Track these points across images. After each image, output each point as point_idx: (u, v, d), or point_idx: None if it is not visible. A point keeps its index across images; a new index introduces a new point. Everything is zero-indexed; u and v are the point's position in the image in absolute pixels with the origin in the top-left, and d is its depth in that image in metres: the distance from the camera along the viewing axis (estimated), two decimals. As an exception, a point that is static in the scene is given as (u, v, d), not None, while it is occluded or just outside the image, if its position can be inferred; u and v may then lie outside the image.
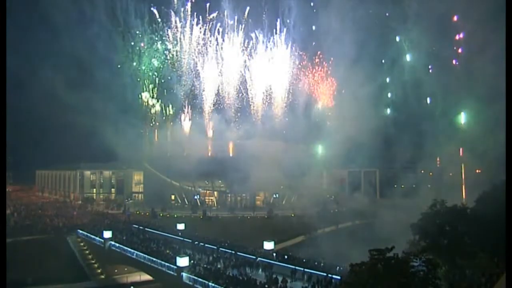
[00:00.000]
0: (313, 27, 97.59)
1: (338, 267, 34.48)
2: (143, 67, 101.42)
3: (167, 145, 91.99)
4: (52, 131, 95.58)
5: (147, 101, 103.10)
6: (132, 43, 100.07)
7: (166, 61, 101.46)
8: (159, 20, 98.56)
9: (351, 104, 78.22)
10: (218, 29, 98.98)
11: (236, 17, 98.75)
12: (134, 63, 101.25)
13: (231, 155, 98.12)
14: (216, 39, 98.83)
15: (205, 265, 40.14)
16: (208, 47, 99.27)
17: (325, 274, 33.95)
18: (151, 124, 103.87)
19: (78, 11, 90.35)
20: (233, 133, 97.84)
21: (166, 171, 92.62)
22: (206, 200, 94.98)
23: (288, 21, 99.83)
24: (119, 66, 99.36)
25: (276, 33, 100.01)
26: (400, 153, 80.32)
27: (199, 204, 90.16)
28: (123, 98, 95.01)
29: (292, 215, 73.88)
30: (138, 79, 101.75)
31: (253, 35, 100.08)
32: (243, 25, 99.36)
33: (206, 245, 48.33)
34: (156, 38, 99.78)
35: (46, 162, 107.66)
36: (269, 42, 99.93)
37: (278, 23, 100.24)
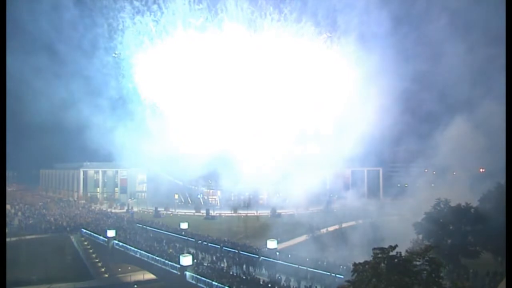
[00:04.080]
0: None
1: (341, 266, 34.47)
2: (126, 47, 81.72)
3: (168, 142, 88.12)
4: (53, 130, 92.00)
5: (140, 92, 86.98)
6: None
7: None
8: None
9: (374, 98, 69.94)
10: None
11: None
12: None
13: (234, 153, 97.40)
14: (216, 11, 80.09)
15: (208, 264, 40.31)
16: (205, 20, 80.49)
17: (328, 273, 34.00)
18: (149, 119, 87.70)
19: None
20: (236, 130, 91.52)
21: (169, 170, 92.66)
22: (209, 199, 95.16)
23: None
24: (114, 54, 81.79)
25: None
26: (404, 151, 79.86)
27: (202, 203, 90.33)
28: (115, 89, 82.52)
29: (295, 214, 73.77)
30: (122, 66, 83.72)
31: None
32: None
33: (209, 244, 48.42)
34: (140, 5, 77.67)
35: (50, 161, 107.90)
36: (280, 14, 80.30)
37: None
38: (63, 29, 73.50)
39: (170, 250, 46.09)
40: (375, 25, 70.66)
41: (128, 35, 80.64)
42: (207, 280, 34.83)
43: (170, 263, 40.14)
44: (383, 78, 69.19)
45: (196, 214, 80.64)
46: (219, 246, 46.88)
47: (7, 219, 57.88)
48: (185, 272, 37.12)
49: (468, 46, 61.53)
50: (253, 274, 36.99)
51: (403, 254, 19.38)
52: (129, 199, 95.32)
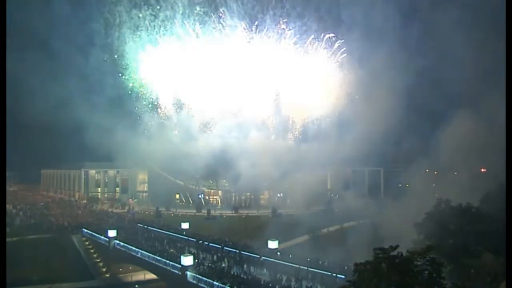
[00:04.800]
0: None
1: (342, 266, 34.42)
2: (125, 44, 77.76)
3: (169, 142, 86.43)
4: (54, 129, 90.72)
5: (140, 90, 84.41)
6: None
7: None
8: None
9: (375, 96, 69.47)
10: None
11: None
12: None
13: (235, 153, 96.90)
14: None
15: (209, 264, 40.31)
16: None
17: (329, 273, 33.96)
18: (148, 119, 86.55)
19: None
20: (237, 130, 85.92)
21: (171, 170, 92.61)
22: (211, 199, 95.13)
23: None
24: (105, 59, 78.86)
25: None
26: (405, 151, 79.43)
27: (203, 203, 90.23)
28: (115, 88, 79.80)
29: (296, 214, 73.70)
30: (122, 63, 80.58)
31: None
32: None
33: (211, 244, 48.45)
34: None
35: (51, 161, 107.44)
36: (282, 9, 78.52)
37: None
38: (60, 26, 72.02)
39: (171, 250, 46.16)
40: (380, 21, 69.37)
41: (125, 30, 78.39)
42: (208, 280, 34.85)
43: (171, 263, 40.16)
44: (384, 76, 68.93)
45: (197, 214, 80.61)
46: (220, 246, 46.86)
47: (9, 219, 57.98)
48: (186, 272, 37.12)
49: (473, 43, 61.03)
50: (254, 274, 36.97)
51: (404, 254, 19.33)
52: (130, 199, 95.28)
